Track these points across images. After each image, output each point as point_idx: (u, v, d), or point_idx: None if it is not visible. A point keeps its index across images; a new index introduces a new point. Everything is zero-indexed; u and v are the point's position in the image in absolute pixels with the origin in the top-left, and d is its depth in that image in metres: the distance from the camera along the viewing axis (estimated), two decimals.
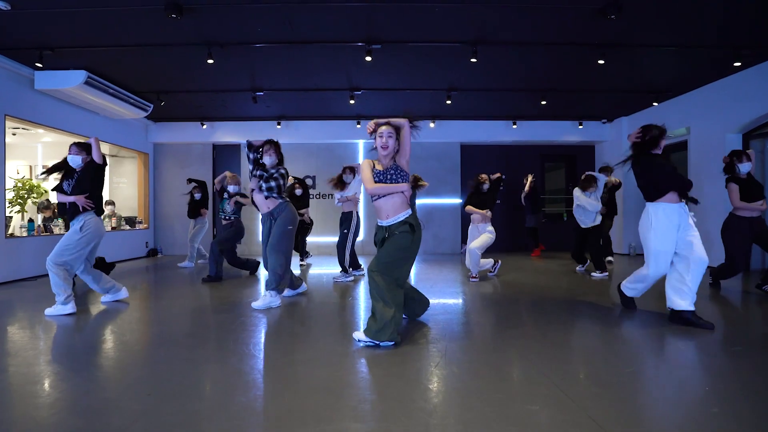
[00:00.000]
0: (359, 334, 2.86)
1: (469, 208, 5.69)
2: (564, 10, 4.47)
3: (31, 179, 9.21)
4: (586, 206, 5.89)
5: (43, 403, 2.00)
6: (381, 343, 2.77)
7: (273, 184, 4.11)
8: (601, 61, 5.48)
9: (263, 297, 4.02)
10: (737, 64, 5.76)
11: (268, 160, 4.21)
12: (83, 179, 3.94)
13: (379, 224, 3.04)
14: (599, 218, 6.01)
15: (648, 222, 3.38)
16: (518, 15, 4.61)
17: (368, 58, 5.38)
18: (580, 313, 3.82)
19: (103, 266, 5.79)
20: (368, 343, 2.80)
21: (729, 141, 6.65)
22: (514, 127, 9.12)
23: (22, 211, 8.33)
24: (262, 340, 3.07)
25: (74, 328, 3.43)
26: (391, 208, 2.95)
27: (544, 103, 7.55)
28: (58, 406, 1.96)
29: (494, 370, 2.42)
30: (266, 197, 4.16)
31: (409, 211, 2.98)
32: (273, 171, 4.18)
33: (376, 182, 2.94)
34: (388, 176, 2.94)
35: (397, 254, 2.92)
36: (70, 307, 3.80)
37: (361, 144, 9.48)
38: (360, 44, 5.19)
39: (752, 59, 5.72)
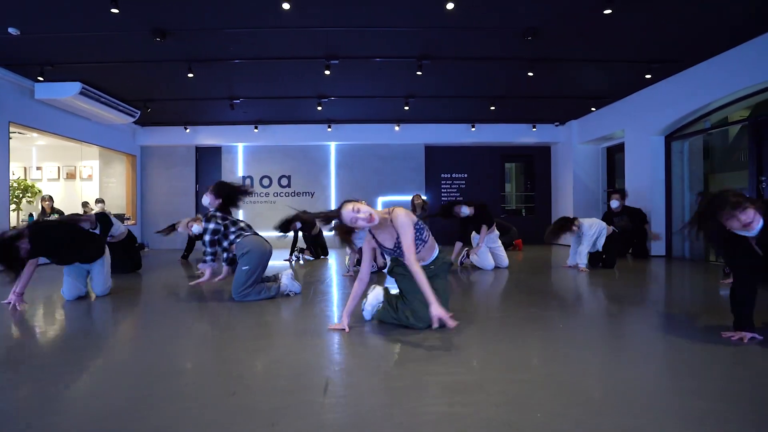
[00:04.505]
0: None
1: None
2: (492, 31, 5.28)
3: (26, 180, 9.93)
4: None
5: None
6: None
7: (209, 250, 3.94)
8: (530, 74, 6.36)
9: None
10: (648, 76, 6.68)
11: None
12: None
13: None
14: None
15: None
16: (456, 35, 5.39)
17: (327, 72, 6.20)
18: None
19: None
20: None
21: (652, 143, 7.56)
22: (473, 129, 9.95)
23: (18, 209, 9.10)
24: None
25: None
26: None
27: (493, 108, 8.39)
28: None
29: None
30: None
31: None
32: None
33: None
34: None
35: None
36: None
37: (332, 146, 10.29)
38: (320, 60, 5.99)
39: (662, 72, 6.63)
